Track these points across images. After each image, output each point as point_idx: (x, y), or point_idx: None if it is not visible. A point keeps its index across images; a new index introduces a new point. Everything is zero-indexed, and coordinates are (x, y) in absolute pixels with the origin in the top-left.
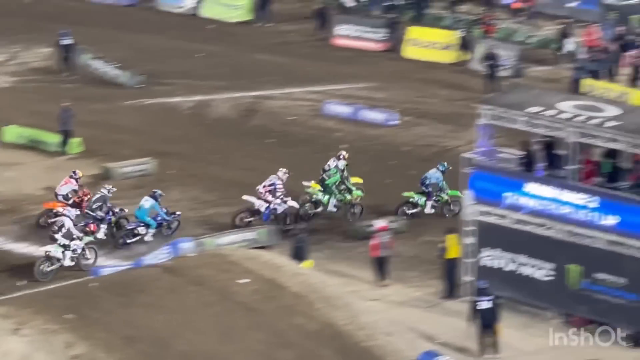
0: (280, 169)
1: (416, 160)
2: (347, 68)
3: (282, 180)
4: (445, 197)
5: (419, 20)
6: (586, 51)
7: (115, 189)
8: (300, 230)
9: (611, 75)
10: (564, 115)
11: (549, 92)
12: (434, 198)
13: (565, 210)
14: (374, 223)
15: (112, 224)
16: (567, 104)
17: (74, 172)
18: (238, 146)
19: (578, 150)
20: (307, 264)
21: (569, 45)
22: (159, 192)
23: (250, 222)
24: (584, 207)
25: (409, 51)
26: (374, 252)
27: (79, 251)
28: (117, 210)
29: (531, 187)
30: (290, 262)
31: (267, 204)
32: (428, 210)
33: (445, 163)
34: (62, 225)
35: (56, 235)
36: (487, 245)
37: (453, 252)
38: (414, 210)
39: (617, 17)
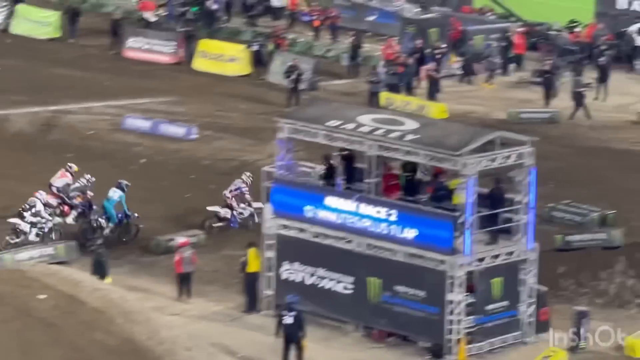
0: (245, 172)
1: (216, 174)
2: (146, 82)
3: (247, 184)
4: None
5: (215, 34)
6: (384, 64)
7: (94, 179)
8: (99, 246)
9: (409, 89)
10: (363, 129)
11: (349, 106)
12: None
13: (364, 223)
14: (175, 238)
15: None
16: (366, 117)
17: (69, 166)
18: (36, 161)
19: (378, 164)
20: (107, 280)
21: (360, 58)
22: (125, 182)
23: (219, 227)
24: (383, 220)
25: (199, 64)
26: (178, 268)
27: (46, 230)
28: (95, 207)
29: (331, 201)
30: (90, 277)
31: (232, 211)
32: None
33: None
34: (33, 206)
35: (25, 213)
36: (287, 259)
37: (254, 265)
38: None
39: (416, 31)
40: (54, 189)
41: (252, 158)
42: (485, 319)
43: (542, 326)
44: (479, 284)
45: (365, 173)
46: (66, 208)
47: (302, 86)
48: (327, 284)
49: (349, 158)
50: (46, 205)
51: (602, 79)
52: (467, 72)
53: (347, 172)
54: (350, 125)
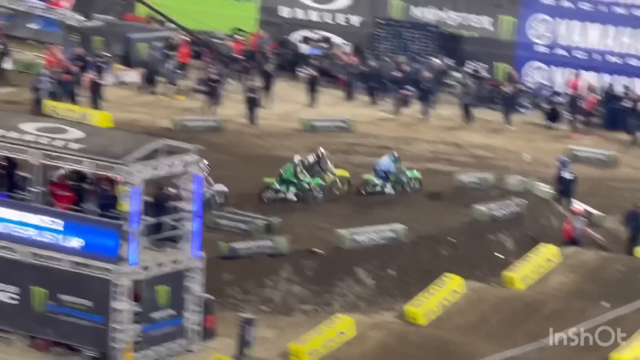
0: None
1: None
2: None
3: None
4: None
5: None
6: (48, 72)
7: None
8: None
9: (73, 97)
10: (26, 137)
11: (11, 114)
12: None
13: (29, 232)
14: None
15: None
16: (29, 125)
17: None
18: None
19: (44, 173)
20: None
21: (7, 64)
22: None
23: None
24: (48, 230)
25: None
26: None
27: None
28: None
29: None
30: None
31: None
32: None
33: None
34: None
35: None
36: None
37: None
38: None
39: (79, 39)
40: None
41: None
42: (151, 327)
43: (208, 334)
44: (144, 292)
45: (30, 182)
46: None
47: None
48: None
49: (13, 166)
50: None
51: (267, 86)
52: (148, 82)
53: (10, 180)
54: (13, 134)
